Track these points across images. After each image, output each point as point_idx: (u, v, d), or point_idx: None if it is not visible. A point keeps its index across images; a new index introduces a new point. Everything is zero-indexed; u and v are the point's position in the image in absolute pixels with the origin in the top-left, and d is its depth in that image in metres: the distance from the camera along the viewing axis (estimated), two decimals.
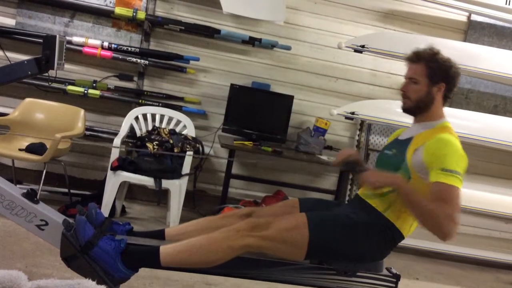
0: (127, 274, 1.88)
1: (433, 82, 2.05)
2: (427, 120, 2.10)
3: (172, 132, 3.78)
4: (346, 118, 3.82)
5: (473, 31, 4.37)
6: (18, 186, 2.88)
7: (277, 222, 1.93)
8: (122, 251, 1.86)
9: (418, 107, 2.09)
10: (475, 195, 3.74)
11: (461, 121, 3.67)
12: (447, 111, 3.45)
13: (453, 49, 3.75)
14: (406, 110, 2.15)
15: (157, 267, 1.88)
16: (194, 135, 3.85)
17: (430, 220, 1.80)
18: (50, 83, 3.71)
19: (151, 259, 1.88)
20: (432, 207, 1.78)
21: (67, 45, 2.79)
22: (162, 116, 3.95)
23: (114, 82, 4.06)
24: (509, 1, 3.84)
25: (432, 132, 2.02)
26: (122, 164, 3.41)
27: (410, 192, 1.85)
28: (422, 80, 2.06)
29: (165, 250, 1.88)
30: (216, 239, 1.88)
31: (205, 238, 1.90)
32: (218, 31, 4.01)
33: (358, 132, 4.34)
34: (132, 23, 4.01)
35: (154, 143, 3.56)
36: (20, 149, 3.42)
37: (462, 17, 4.36)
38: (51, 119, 3.72)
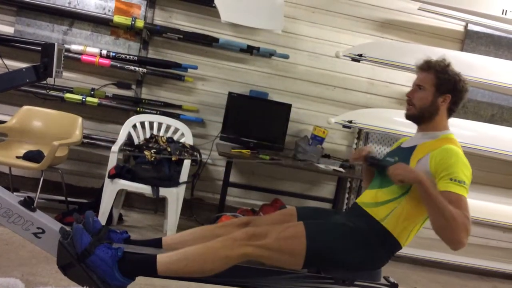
0: (124, 282, 1.87)
1: (439, 92, 2.06)
2: (431, 130, 2.10)
3: (170, 140, 3.78)
4: (344, 126, 3.83)
5: (470, 40, 4.39)
6: (15, 193, 2.86)
7: (275, 231, 1.92)
8: (119, 260, 1.85)
9: (422, 115, 2.10)
10: (471, 204, 3.71)
11: (458, 130, 3.62)
12: None
13: (450, 59, 3.78)
14: (409, 116, 2.17)
15: (154, 275, 1.87)
16: (192, 143, 3.85)
17: (447, 223, 1.80)
18: (48, 90, 3.72)
19: (148, 267, 1.87)
20: (452, 210, 1.79)
21: (66, 53, 2.81)
22: (160, 124, 3.96)
23: (112, 90, 4.06)
24: (506, 11, 3.86)
25: (436, 142, 2.03)
26: (120, 172, 3.40)
27: (433, 189, 1.84)
28: (429, 89, 2.07)
29: (162, 259, 1.87)
30: (213, 248, 1.87)
31: (202, 247, 1.89)
32: (216, 40, 4.03)
33: (355, 141, 4.35)
34: (130, 31, 4.03)
35: (152, 151, 3.55)
36: (17, 157, 3.41)
37: (459, 26, 4.38)
38: (48, 126, 3.72)
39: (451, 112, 2.11)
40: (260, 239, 1.89)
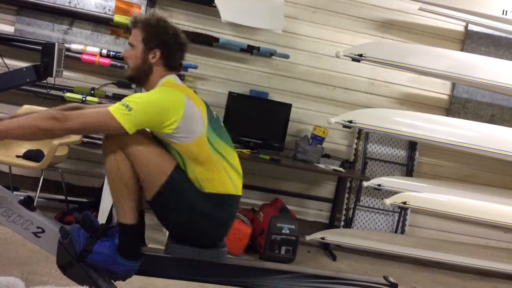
0: (130, 265, 1.89)
1: (148, 48, 1.94)
2: (151, 88, 1.97)
3: None
4: (344, 126, 3.82)
5: (470, 41, 4.39)
6: (15, 193, 2.87)
7: (146, 151, 1.84)
8: (117, 247, 1.87)
9: (137, 74, 1.99)
10: (472, 204, 3.74)
11: (458, 130, 3.68)
12: (445, 120, 3.49)
13: (450, 59, 3.79)
14: (127, 78, 2.03)
15: (133, 229, 1.88)
16: None
17: (29, 130, 1.73)
18: (48, 90, 3.71)
19: (123, 231, 1.88)
20: (28, 119, 1.74)
21: (66, 53, 2.80)
22: None
23: (112, 90, 4.06)
24: (506, 11, 3.86)
25: None
26: None
27: (2, 126, 1.73)
28: (138, 46, 1.95)
29: (118, 215, 1.89)
30: (108, 166, 1.87)
31: (107, 175, 1.91)
32: (216, 40, 4.03)
33: (355, 141, 4.35)
34: (130, 30, 4.02)
35: None
36: (17, 156, 3.41)
37: (459, 27, 4.39)
38: None
39: (169, 67, 1.98)
40: (132, 145, 1.82)
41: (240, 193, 2.01)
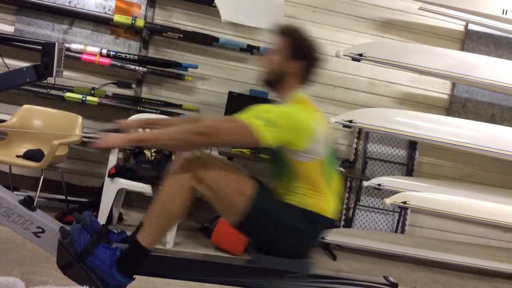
0: (123, 282, 1.87)
1: (289, 56, 2.00)
2: (281, 95, 2.05)
3: None
4: (344, 126, 3.83)
5: (470, 40, 4.39)
6: (15, 193, 2.87)
7: (227, 176, 1.90)
8: (117, 260, 1.86)
9: (271, 78, 2.05)
10: (473, 203, 3.74)
11: (458, 130, 3.68)
12: (445, 120, 3.49)
13: (450, 58, 3.79)
14: (262, 81, 2.10)
15: (146, 254, 1.88)
16: None
17: (176, 142, 1.83)
18: (48, 90, 3.71)
19: (136, 250, 1.87)
20: (173, 131, 1.84)
21: (66, 52, 2.80)
22: None
23: (112, 89, 4.06)
24: (506, 11, 3.86)
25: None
26: (120, 171, 3.40)
27: (147, 135, 1.88)
28: (280, 53, 2.01)
29: (141, 234, 1.89)
30: (166, 189, 1.91)
31: (158, 200, 1.92)
32: (216, 39, 4.03)
33: (356, 140, 4.35)
34: (131, 30, 4.03)
35: (151, 150, 3.55)
36: (17, 156, 3.41)
37: (459, 26, 4.38)
38: (48, 125, 3.72)
39: (303, 79, 2.05)
40: (203, 167, 1.88)
41: (334, 217, 2.04)
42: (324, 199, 1.97)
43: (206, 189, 1.89)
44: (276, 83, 2.05)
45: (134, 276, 1.92)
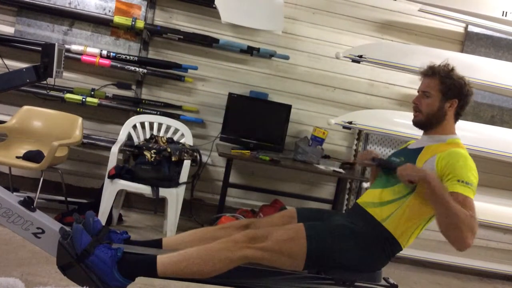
0: (123, 283, 1.87)
1: (446, 97, 2.07)
2: (438, 134, 2.11)
3: (170, 141, 3.78)
4: (344, 127, 3.84)
5: (470, 42, 4.40)
6: (15, 193, 2.86)
7: (275, 233, 1.93)
8: (118, 260, 1.85)
9: (429, 121, 2.10)
10: None
11: (458, 132, 3.66)
12: None
13: (450, 60, 3.78)
14: (417, 123, 2.16)
15: (154, 276, 1.87)
16: (192, 144, 3.85)
17: (454, 223, 1.77)
18: (48, 91, 3.72)
19: (148, 268, 1.87)
20: (459, 210, 1.76)
21: (66, 53, 2.80)
22: (160, 125, 3.96)
23: (112, 91, 4.06)
24: (506, 12, 3.86)
25: (443, 145, 2.04)
26: (119, 172, 3.40)
27: (441, 188, 1.82)
28: (435, 95, 2.08)
29: (162, 259, 1.87)
30: (213, 249, 1.88)
31: (203, 248, 1.89)
32: (216, 41, 4.03)
33: (355, 142, 4.35)
34: (131, 31, 4.03)
35: (152, 151, 3.55)
36: (17, 157, 3.41)
37: (459, 28, 4.39)
38: (48, 127, 3.71)
39: (457, 116, 2.13)
40: (261, 242, 1.89)
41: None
42: (413, 234, 2.06)
43: (267, 254, 1.89)
44: (432, 124, 2.10)
45: (134, 279, 1.92)
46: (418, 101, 2.12)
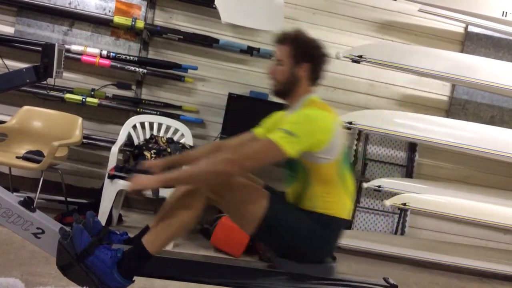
0: (123, 284, 1.87)
1: (297, 62, 2.01)
2: (294, 102, 2.06)
3: (170, 141, 3.78)
4: (344, 128, 3.83)
5: (470, 42, 4.40)
6: (15, 194, 2.86)
7: (241, 189, 1.93)
8: (118, 261, 1.85)
9: (285, 89, 2.06)
10: (472, 205, 3.74)
11: (458, 132, 3.68)
12: (445, 121, 3.47)
13: (450, 60, 3.79)
14: (275, 93, 2.12)
15: (149, 258, 1.87)
16: (191, 144, 3.85)
17: (207, 177, 1.85)
18: (48, 91, 3.72)
19: (140, 254, 1.87)
20: (199, 168, 1.85)
21: (66, 54, 2.80)
22: (160, 125, 3.96)
23: (112, 91, 4.06)
24: (506, 12, 3.86)
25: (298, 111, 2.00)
26: (120, 172, 3.39)
27: (175, 174, 1.87)
28: (287, 61, 2.02)
29: (147, 239, 1.89)
30: (182, 198, 1.92)
31: (175, 207, 1.92)
32: (216, 41, 4.03)
33: (355, 142, 4.35)
34: (131, 32, 4.03)
35: (151, 151, 3.55)
36: (17, 157, 3.41)
37: (459, 28, 4.39)
38: (48, 127, 3.72)
39: (314, 80, 2.07)
40: (223, 191, 1.91)
41: (349, 217, 2.06)
42: (339, 200, 1.99)
43: (222, 200, 1.92)
44: (288, 92, 2.06)
45: (134, 278, 1.92)
46: (273, 70, 2.07)
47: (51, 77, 2.23)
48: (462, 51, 4.37)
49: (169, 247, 3.33)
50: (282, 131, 1.82)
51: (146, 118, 3.94)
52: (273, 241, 2.01)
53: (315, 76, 2.06)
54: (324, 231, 1.96)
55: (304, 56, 2.01)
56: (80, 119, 3.70)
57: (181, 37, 3.98)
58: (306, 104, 2.01)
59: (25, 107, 3.71)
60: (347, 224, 2.07)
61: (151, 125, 3.94)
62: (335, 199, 1.98)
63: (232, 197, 1.92)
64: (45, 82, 2.33)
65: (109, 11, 4.01)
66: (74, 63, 3.87)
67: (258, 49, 4.10)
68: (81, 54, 3.85)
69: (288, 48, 2.02)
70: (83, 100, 3.87)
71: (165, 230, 1.90)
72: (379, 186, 3.66)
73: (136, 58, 3.93)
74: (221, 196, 1.91)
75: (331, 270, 2.05)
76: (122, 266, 1.86)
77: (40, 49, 2.25)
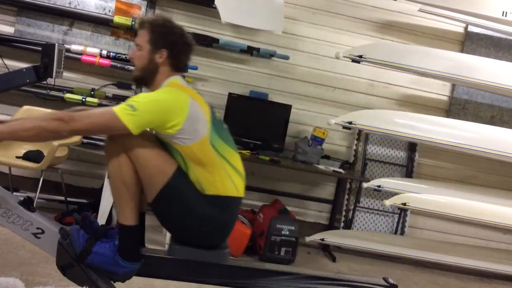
0: (131, 267, 1.89)
1: (155, 48, 1.96)
2: (155, 89, 1.99)
3: None
4: (344, 127, 3.82)
5: (470, 42, 4.40)
6: (14, 193, 2.87)
7: (150, 153, 1.87)
8: (117, 248, 1.88)
9: (143, 75, 2.01)
10: (472, 205, 3.73)
11: (458, 132, 3.68)
12: (445, 121, 3.47)
13: (450, 60, 3.79)
14: (134, 79, 2.08)
15: (134, 230, 1.89)
16: None
17: (36, 131, 1.74)
18: (48, 91, 3.72)
19: (123, 231, 1.89)
20: (32, 121, 1.77)
21: (66, 53, 2.80)
22: None
23: (112, 90, 4.06)
24: (506, 12, 3.86)
25: None
26: None
27: (5, 127, 1.75)
28: (145, 47, 1.97)
29: (118, 216, 1.90)
30: (110, 164, 1.91)
31: (109, 174, 1.93)
32: (216, 40, 4.03)
33: (355, 142, 4.35)
34: (130, 31, 4.02)
35: None
36: (17, 157, 3.41)
37: (459, 28, 4.39)
38: None
39: (175, 67, 2.01)
40: (133, 143, 1.84)
41: (242, 194, 2.01)
42: (226, 179, 1.93)
43: (133, 159, 1.85)
44: (148, 79, 2.01)
45: (140, 259, 1.93)
46: (132, 55, 2.02)
47: (51, 77, 2.23)
48: (462, 51, 4.37)
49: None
50: (125, 104, 1.78)
51: None
52: (168, 215, 1.92)
53: (176, 63, 2.00)
54: (215, 212, 1.90)
55: (162, 42, 1.96)
56: None
57: None
58: (165, 85, 1.96)
59: (25, 107, 3.71)
60: (240, 202, 2.01)
61: None
62: (219, 177, 1.91)
63: (142, 159, 1.83)
64: (45, 82, 2.34)
65: (109, 11, 4.00)
66: (74, 63, 3.86)
67: (258, 49, 4.09)
68: (81, 54, 3.85)
69: (146, 33, 1.97)
70: (83, 100, 3.86)
71: (120, 199, 1.89)
72: (379, 186, 3.65)
73: None
74: (133, 155, 1.84)
75: (225, 257, 2.01)
76: (121, 251, 1.88)
77: (40, 49, 2.25)
